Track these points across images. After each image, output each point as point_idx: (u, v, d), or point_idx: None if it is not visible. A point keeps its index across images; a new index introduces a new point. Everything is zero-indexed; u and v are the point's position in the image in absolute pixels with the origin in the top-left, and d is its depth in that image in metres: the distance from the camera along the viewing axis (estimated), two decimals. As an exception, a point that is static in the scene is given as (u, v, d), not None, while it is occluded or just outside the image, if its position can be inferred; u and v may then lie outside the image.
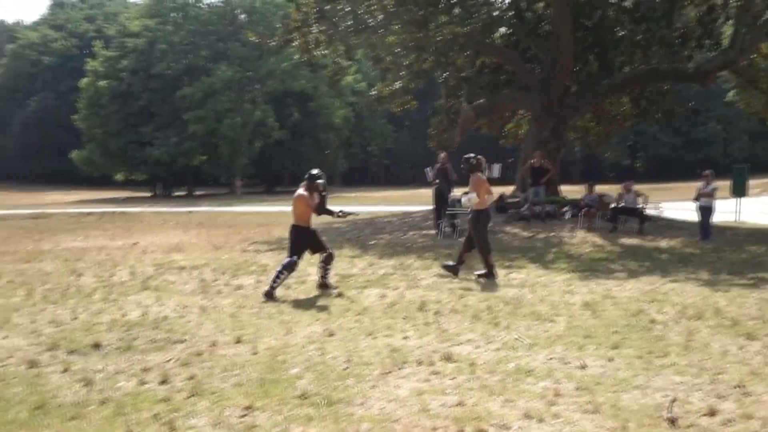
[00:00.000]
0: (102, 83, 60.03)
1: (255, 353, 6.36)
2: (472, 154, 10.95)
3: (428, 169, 17.43)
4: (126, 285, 10.57)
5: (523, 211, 18.47)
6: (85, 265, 12.96)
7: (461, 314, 8.00)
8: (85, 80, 62.07)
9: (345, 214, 10.19)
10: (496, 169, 25.98)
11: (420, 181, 54.66)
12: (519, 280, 10.54)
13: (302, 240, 9.64)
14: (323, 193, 9.68)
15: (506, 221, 18.26)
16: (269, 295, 9.09)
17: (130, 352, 6.52)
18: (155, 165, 59.63)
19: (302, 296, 9.31)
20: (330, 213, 9.97)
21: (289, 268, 9.39)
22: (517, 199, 19.89)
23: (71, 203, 48.34)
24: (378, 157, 78.70)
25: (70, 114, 65.11)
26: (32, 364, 6.15)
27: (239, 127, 58.68)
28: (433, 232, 17.27)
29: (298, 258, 9.57)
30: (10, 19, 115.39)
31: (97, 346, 6.73)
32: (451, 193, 17.01)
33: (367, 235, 17.55)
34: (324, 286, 9.66)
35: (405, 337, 6.92)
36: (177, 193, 64.05)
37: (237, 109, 59.26)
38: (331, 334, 7.04)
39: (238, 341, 6.82)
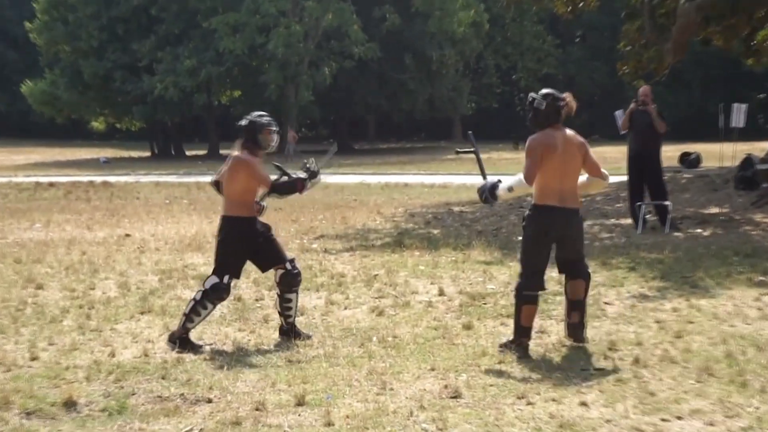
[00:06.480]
0: (71, -31, 62.06)
1: (328, 424, 6.47)
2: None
3: (619, 112, 17.15)
4: (114, 305, 10.89)
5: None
6: (49, 271, 13.42)
7: (680, 365, 7.89)
8: (43, -35, 64.35)
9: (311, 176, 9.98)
10: (739, 113, 25.53)
11: (603, 134, 53.93)
12: (781, 307, 10.30)
13: (237, 245, 8.96)
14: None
15: (757, 203, 17.82)
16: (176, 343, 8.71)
17: (124, 417, 6.74)
18: (156, 105, 61.06)
19: (405, 327, 9.40)
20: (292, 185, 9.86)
21: (215, 294, 8.85)
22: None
23: (22, 167, 50.17)
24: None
25: (20, 22, 67.55)
26: (-31, 431, 6.45)
27: (298, 40, 59.21)
28: (627, 221, 17.01)
29: (230, 279, 8.94)
30: None
31: (70, 404, 6.98)
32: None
33: (511, 227, 17.47)
34: (291, 332, 9.07)
35: (582, 403, 6.89)
36: (192, 152, 65.16)
37: (294, 10, 59.91)
38: (455, 395, 7.08)
39: (300, 403, 6.94)
